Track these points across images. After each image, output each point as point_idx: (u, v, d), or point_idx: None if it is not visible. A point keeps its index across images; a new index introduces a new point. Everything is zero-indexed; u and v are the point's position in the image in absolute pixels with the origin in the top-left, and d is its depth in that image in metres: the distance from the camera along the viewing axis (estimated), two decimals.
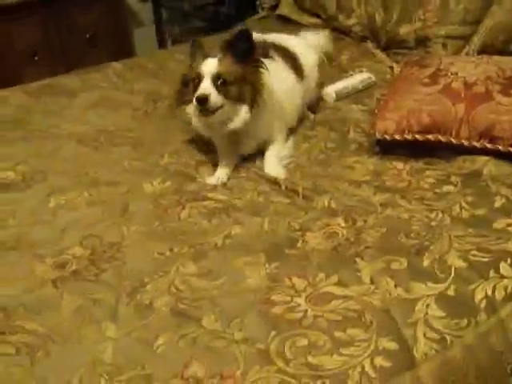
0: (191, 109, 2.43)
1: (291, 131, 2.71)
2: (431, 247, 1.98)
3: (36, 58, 4.64)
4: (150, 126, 2.88)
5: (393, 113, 2.52)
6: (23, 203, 2.38)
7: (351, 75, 3.21)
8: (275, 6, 4.42)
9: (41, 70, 4.53)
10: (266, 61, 2.47)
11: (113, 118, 3.00)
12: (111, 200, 2.35)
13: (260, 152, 2.54)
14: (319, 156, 2.58)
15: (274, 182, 2.34)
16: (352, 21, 3.68)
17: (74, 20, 4.75)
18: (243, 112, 2.40)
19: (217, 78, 2.32)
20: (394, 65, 3.27)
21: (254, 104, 2.39)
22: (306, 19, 3.94)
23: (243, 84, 2.38)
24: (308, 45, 2.99)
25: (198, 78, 2.34)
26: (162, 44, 5.40)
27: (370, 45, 3.58)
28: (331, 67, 3.28)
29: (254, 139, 2.53)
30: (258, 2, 4.79)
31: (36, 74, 4.29)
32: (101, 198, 2.37)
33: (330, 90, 3.03)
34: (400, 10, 3.41)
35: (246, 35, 2.39)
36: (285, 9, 4.11)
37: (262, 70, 2.41)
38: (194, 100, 2.30)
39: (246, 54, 2.39)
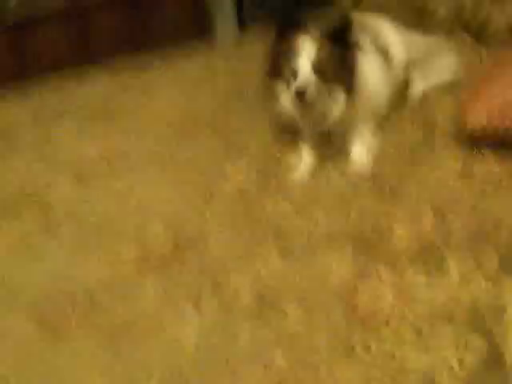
0: (281, 86, 2.36)
1: (378, 123, 2.61)
2: None
3: None
4: (242, 113, 2.81)
5: (484, 103, 2.40)
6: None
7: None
8: None
9: None
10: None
11: (196, 105, 2.97)
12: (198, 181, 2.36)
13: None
14: (407, 150, 2.47)
15: (361, 174, 2.27)
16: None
17: None
18: (341, 99, 2.34)
19: (316, 63, 2.26)
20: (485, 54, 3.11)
21: (351, 90, 2.33)
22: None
23: (340, 68, 2.32)
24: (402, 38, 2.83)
25: (295, 54, 2.25)
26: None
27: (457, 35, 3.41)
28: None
29: (345, 128, 2.44)
30: None
31: None
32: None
33: (416, 81, 2.93)
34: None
35: (349, 22, 2.29)
36: None
37: (358, 54, 2.35)
38: (293, 91, 2.23)
39: (344, 38, 2.29)
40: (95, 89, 3.21)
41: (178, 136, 2.68)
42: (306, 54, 2.26)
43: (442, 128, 2.54)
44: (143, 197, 2.29)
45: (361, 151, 2.38)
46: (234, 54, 3.52)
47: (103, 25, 3.86)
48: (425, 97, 2.81)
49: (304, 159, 2.42)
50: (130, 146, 2.62)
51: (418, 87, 2.87)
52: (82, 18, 3.80)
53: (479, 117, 2.34)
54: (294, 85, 2.23)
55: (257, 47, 3.19)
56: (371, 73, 2.46)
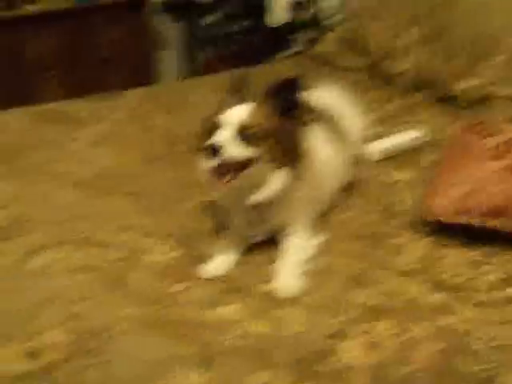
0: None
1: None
2: (500, 378, 1.53)
3: (50, 74, 4.24)
4: (162, 174, 2.47)
5: (449, 191, 2.08)
6: None
7: (397, 132, 2.77)
8: (311, 41, 4.03)
9: (53, 86, 4.20)
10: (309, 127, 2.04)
11: (119, 159, 2.59)
12: (103, 268, 1.93)
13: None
14: (359, 231, 2.15)
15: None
16: (402, 67, 3.24)
17: (93, 37, 4.40)
18: (279, 176, 1.93)
19: (242, 130, 1.87)
20: (447, 124, 2.82)
21: (293, 167, 1.93)
22: (349, 61, 3.51)
23: (280, 142, 1.91)
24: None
25: (215, 127, 1.89)
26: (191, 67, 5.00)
27: (420, 97, 3.12)
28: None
29: (278, 217, 2.04)
30: (291, 37, 4.42)
31: (48, 91, 3.98)
32: (91, 263, 1.95)
33: (373, 148, 2.59)
34: (459, 61, 2.98)
35: (297, 86, 1.92)
36: (324, 47, 3.67)
37: (305, 128, 1.97)
38: (205, 150, 1.84)
39: (291, 108, 1.93)
40: None
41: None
42: (230, 118, 1.90)
43: (399, 207, 2.29)
44: (38, 278, 1.92)
45: (289, 270, 1.93)
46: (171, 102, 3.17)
47: None
48: (379, 167, 2.55)
49: (220, 254, 1.99)
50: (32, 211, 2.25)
51: (374, 153, 2.57)
52: None
53: (444, 206, 2.07)
54: (207, 143, 1.85)
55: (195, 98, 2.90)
56: (320, 156, 2.08)
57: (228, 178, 1.87)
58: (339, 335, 1.68)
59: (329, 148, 2.17)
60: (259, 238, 2.05)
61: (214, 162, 1.84)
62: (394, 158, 2.62)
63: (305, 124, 1.96)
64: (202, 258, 1.98)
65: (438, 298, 1.82)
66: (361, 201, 2.33)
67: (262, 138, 1.89)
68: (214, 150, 1.81)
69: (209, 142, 1.83)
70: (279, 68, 3.56)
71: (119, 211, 2.23)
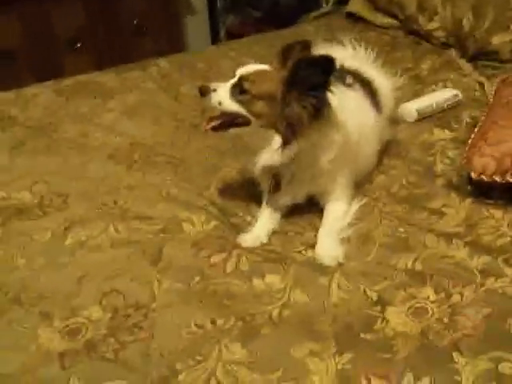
0: None
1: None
2: None
3: (77, 46, 4.18)
4: (197, 143, 2.44)
5: (493, 148, 2.03)
6: (36, 237, 1.95)
7: (434, 90, 2.70)
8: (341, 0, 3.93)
9: (82, 59, 4.15)
10: (343, 89, 1.97)
11: (153, 128, 2.55)
12: (142, 241, 1.91)
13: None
14: (400, 192, 2.11)
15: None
16: (434, 24, 3.18)
17: (120, 5, 4.30)
18: (275, 145, 1.85)
19: (239, 82, 1.84)
20: (484, 80, 2.74)
21: (286, 142, 1.83)
22: (380, 19, 3.45)
23: (277, 108, 1.82)
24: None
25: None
26: (215, 34, 4.93)
27: (454, 53, 3.05)
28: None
29: (302, 187, 1.98)
30: None
31: (76, 64, 3.97)
32: (130, 236, 1.93)
33: (411, 108, 2.54)
34: (494, 15, 2.90)
35: (330, 68, 1.77)
36: (355, 5, 3.58)
37: (308, 111, 1.81)
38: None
39: (312, 88, 1.79)
40: None
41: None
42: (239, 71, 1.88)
43: (440, 167, 2.22)
44: (76, 252, 1.92)
45: (329, 239, 1.90)
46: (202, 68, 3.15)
47: None
48: (418, 126, 2.48)
49: (259, 222, 1.98)
50: (68, 185, 2.25)
51: (412, 112, 2.51)
52: None
53: (487, 164, 1.95)
54: None
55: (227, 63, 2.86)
56: (355, 123, 1.99)
57: (211, 124, 1.88)
58: (384, 302, 1.65)
59: (361, 110, 2.11)
60: (297, 202, 2.01)
61: (203, 103, 1.88)
62: (433, 116, 2.55)
63: (319, 114, 1.83)
64: (242, 227, 1.96)
65: (483, 260, 1.77)
66: (401, 162, 2.27)
67: (258, 97, 1.82)
68: (202, 90, 1.83)
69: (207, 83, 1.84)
70: (308, 30, 3.48)
71: (157, 182, 2.20)
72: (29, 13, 3.95)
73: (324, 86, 1.79)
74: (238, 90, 1.82)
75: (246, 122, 1.84)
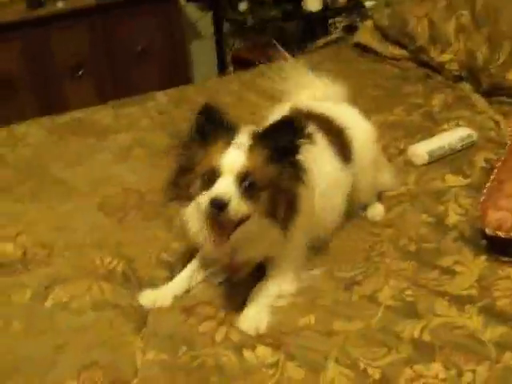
0: (191, 210, 1.75)
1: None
2: None
3: (80, 73, 4.06)
4: None
5: (510, 200, 1.87)
6: (15, 297, 1.82)
7: (446, 130, 2.55)
8: (350, 28, 3.80)
9: (84, 86, 4.04)
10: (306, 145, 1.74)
11: (147, 172, 2.40)
12: (127, 305, 1.76)
13: None
14: (408, 247, 1.96)
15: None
16: (447, 56, 3.01)
17: (124, 30, 4.18)
18: (274, 234, 1.71)
19: (243, 178, 1.62)
20: (500, 119, 2.58)
21: (288, 224, 1.69)
22: (390, 50, 3.28)
23: (276, 193, 1.67)
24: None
25: (213, 174, 1.62)
26: (221, 59, 4.82)
27: (467, 87, 2.89)
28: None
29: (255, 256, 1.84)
30: (330, 22, 4.20)
31: (79, 91, 3.85)
32: (114, 299, 1.77)
33: (421, 150, 2.39)
34: (510, 49, 2.73)
35: (294, 127, 1.67)
36: (364, 35, 3.44)
37: (300, 175, 1.70)
38: (207, 202, 1.57)
39: (286, 152, 1.68)
40: None
41: None
42: (230, 163, 1.64)
43: (453, 218, 2.07)
44: (56, 316, 1.78)
45: (255, 310, 1.73)
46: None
47: None
48: (428, 171, 2.32)
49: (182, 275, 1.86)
50: (53, 236, 2.11)
51: (422, 155, 2.38)
52: None
53: (503, 218, 1.83)
54: (209, 194, 1.60)
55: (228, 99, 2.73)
56: (317, 180, 1.83)
57: (228, 236, 1.63)
58: (387, 382, 1.48)
59: (321, 162, 1.91)
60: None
61: (214, 218, 1.60)
62: (445, 159, 2.39)
63: (302, 175, 1.70)
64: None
65: (499, 331, 1.61)
66: (410, 211, 2.12)
67: (262, 188, 1.64)
68: (218, 205, 1.56)
69: (212, 194, 1.58)
70: (314, 59, 3.33)
71: (148, 240, 2.05)
72: (30, 39, 3.87)
73: (296, 149, 1.67)
74: (245, 187, 1.62)
75: (246, 218, 1.65)
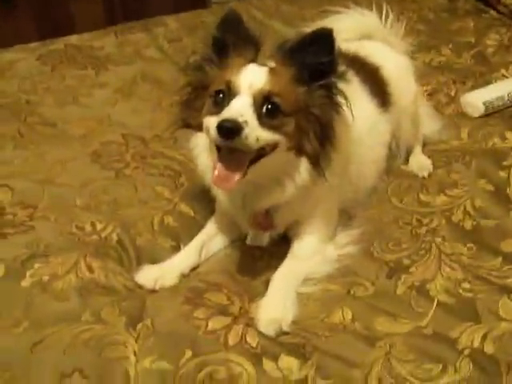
0: (202, 141, 1.42)
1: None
2: None
3: None
4: None
5: None
6: None
7: (504, 77, 2.16)
8: None
9: (92, 7, 3.57)
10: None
11: (155, 115, 2.05)
12: (121, 286, 1.46)
13: None
14: (464, 223, 1.64)
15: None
16: None
17: None
18: (302, 172, 1.38)
19: (264, 100, 1.30)
20: None
21: (321, 160, 1.37)
22: None
23: (306, 120, 1.35)
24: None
25: (228, 93, 1.31)
26: None
27: None
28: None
29: (289, 216, 1.51)
30: None
31: (86, 14, 3.40)
32: (106, 278, 1.47)
33: (476, 99, 2.04)
34: None
35: (328, 39, 1.33)
36: None
37: (340, 102, 1.37)
38: (214, 127, 1.24)
39: (319, 72, 1.35)
40: None
41: None
42: (249, 80, 1.31)
43: None
44: (35, 298, 1.44)
45: (276, 300, 1.41)
46: None
47: None
48: (485, 124, 2.00)
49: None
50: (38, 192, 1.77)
51: (477, 105, 2.03)
52: None
53: None
54: (219, 116, 1.26)
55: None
56: (352, 126, 1.49)
57: (242, 172, 1.29)
58: None
59: (368, 110, 1.64)
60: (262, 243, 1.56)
61: (225, 147, 1.27)
62: (504, 112, 2.04)
63: (338, 102, 1.37)
64: None
65: None
66: (465, 175, 1.79)
67: (288, 112, 1.32)
68: (229, 130, 1.23)
69: (223, 116, 1.24)
70: None
71: (150, 201, 1.72)
72: None
73: (332, 68, 1.35)
74: (267, 111, 1.29)
75: (270, 150, 1.32)
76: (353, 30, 1.93)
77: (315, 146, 1.36)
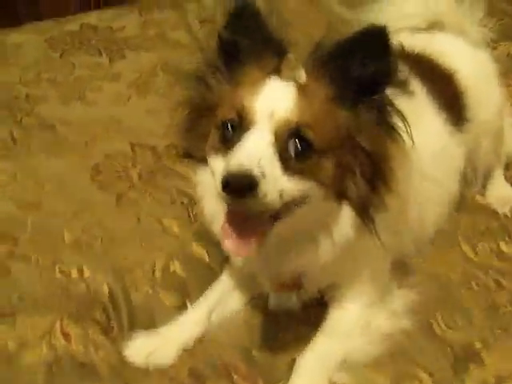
0: (209, 178, 1.05)
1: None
2: None
3: None
4: None
5: None
6: None
7: None
8: None
9: None
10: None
11: (171, 117, 1.70)
12: (102, 362, 1.15)
13: None
14: None
15: None
16: None
17: None
18: (344, 224, 1.02)
19: (291, 135, 0.94)
20: None
21: (369, 209, 1.01)
22: None
23: (351, 157, 0.99)
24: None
25: (240, 123, 0.96)
26: None
27: None
28: None
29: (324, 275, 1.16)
30: None
31: None
32: (85, 351, 1.17)
33: None
34: None
35: (381, 39, 0.97)
36: None
37: (399, 128, 1.00)
38: (220, 180, 0.89)
39: (368, 87, 0.98)
40: None
41: None
42: (268, 106, 0.95)
43: None
44: None
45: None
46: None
47: None
48: None
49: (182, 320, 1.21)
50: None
51: None
52: None
53: None
54: (228, 161, 0.91)
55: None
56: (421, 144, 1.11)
57: (260, 237, 0.94)
58: None
59: (435, 131, 1.30)
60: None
61: (237, 206, 0.93)
62: None
63: (395, 127, 1.00)
64: None
65: None
66: None
67: (324, 150, 0.96)
68: (239, 187, 0.88)
69: (231, 163, 0.90)
70: None
71: (159, 231, 1.42)
72: None
73: (388, 78, 0.98)
74: (295, 151, 0.94)
75: (300, 202, 0.97)
76: (421, 15, 1.56)
77: (363, 190, 1.00)
